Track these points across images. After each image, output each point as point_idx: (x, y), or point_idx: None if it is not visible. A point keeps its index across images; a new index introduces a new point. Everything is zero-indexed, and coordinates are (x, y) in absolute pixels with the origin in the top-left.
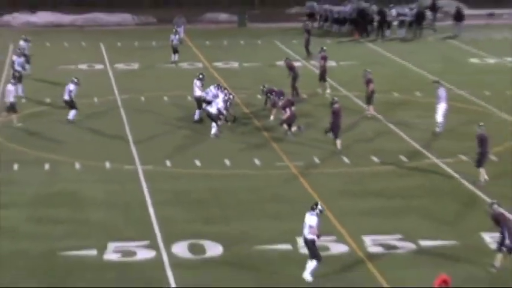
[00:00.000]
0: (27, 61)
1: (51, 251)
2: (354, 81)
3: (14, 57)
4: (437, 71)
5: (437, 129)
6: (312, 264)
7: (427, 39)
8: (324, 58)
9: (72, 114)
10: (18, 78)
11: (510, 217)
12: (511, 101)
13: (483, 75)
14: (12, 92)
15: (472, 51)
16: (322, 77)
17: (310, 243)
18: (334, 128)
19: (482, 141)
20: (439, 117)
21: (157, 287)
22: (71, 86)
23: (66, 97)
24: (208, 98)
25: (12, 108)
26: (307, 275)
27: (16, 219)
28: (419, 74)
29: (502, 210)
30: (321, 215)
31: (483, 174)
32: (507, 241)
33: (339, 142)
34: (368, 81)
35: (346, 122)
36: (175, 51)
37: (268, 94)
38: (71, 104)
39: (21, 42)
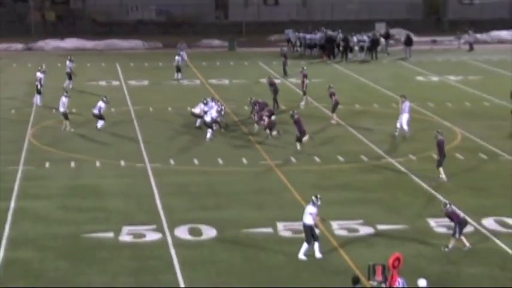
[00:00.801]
0: (70, 77)
1: (76, 233)
2: (323, 95)
3: (38, 74)
4: (390, 87)
5: (396, 133)
6: (303, 246)
7: (382, 61)
8: (305, 75)
9: (100, 124)
10: (39, 91)
11: (460, 214)
12: (450, 111)
13: (428, 90)
14: (65, 103)
15: (418, 71)
16: (304, 91)
17: (307, 228)
18: (301, 133)
19: (441, 145)
20: (404, 124)
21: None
22: (102, 104)
23: (96, 111)
24: (206, 109)
25: (65, 116)
26: (318, 254)
27: (48, 208)
28: (376, 89)
29: (453, 208)
30: (318, 205)
31: (442, 172)
32: (457, 235)
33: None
34: (331, 94)
35: (316, 128)
36: (178, 70)
37: (253, 105)
38: (99, 117)
39: (68, 62)
